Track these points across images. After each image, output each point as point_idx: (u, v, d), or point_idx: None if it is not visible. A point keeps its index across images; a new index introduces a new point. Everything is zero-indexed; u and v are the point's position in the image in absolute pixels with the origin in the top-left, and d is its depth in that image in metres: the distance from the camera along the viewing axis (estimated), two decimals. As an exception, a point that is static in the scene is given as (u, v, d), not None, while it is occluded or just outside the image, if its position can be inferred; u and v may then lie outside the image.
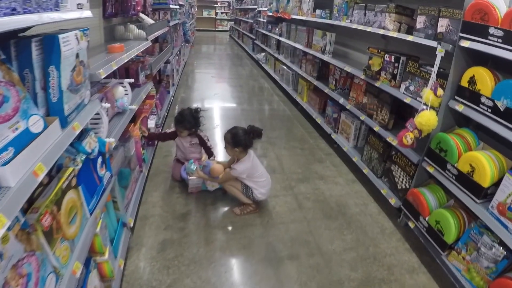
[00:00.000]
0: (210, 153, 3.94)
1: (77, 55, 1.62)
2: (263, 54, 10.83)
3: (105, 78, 2.88)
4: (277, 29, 8.60)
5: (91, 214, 1.99)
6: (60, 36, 1.42)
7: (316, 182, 4.09)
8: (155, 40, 5.73)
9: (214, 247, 2.97)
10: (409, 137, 2.81)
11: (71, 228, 1.73)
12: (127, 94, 2.97)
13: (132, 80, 3.04)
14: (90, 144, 1.91)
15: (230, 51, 15.71)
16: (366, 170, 3.93)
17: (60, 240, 1.61)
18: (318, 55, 5.45)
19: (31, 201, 1.53)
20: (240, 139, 3.23)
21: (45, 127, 1.44)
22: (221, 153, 4.71)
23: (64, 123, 1.60)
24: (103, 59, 2.53)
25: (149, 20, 4.34)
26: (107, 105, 2.17)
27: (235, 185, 3.42)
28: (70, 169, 1.71)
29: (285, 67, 7.91)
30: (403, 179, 3.34)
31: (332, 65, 4.97)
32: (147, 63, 3.98)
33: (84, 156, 1.87)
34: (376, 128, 3.70)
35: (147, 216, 3.33)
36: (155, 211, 3.40)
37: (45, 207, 1.49)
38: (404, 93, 3.26)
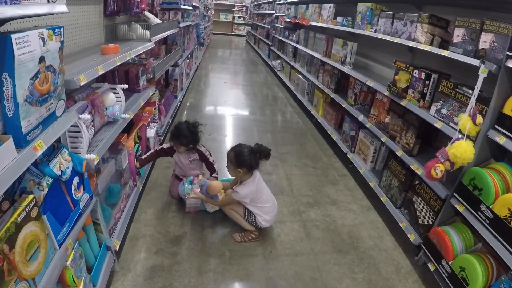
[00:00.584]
0: (212, 169, 3.64)
1: (42, 59, 1.34)
2: (278, 61, 10.57)
3: (97, 82, 2.65)
4: (295, 36, 8.35)
5: (60, 245, 1.71)
6: (13, 36, 1.14)
7: (328, 207, 3.77)
8: (164, 42, 5.49)
9: (208, 279, 2.68)
10: (439, 169, 2.48)
11: (31, 266, 1.46)
12: (120, 101, 2.69)
13: (125, 86, 2.76)
14: (60, 164, 1.63)
15: (245, 56, 15.50)
16: (384, 198, 3.61)
17: (14, 281, 1.34)
18: (337, 65, 5.15)
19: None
20: (244, 159, 2.94)
21: (-2, 147, 1.18)
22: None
23: (21, 143, 1.32)
24: (91, 62, 2.27)
25: (155, 20, 4.09)
26: (87, 116, 1.90)
27: (236, 210, 3.12)
28: (29, 198, 1.43)
29: (301, 77, 7.62)
30: (426, 214, 3.00)
31: (352, 78, 4.66)
32: (149, 66, 3.72)
33: (51, 180, 1.59)
34: (399, 153, 3.37)
35: (138, 236, 3.05)
36: (147, 231, 3.12)
37: (-8, 246, 1.22)
38: (434, 116, 2.93)
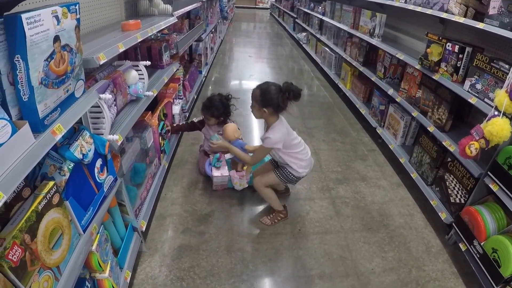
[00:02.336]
0: None
1: (56, 39, 1.25)
2: (304, 34, 10.32)
3: (119, 60, 2.57)
4: (320, 7, 8.10)
5: (84, 230, 1.67)
6: (24, 16, 1.05)
7: (357, 184, 3.66)
8: (187, 16, 5.36)
9: (236, 258, 2.63)
10: (473, 147, 2.33)
11: (54, 254, 1.41)
12: (143, 78, 2.61)
13: (148, 63, 2.66)
14: (82, 147, 1.57)
15: (270, 30, 15.19)
16: (414, 175, 3.47)
17: (37, 271, 1.30)
18: (366, 38, 4.94)
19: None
20: (271, 97, 2.56)
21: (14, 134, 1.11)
22: (253, 142, 4.35)
23: (38, 127, 1.25)
24: (111, 39, 2.18)
25: (177, -6, 3.96)
26: (108, 96, 1.81)
27: (267, 177, 2.95)
28: (50, 184, 1.37)
29: (327, 49, 7.41)
30: (458, 192, 2.87)
31: (382, 51, 4.46)
32: (172, 41, 3.61)
33: (72, 164, 1.53)
34: (431, 129, 3.22)
35: (165, 215, 3.02)
36: (174, 210, 3.09)
37: (13, 238, 1.17)
38: (468, 91, 2.75)
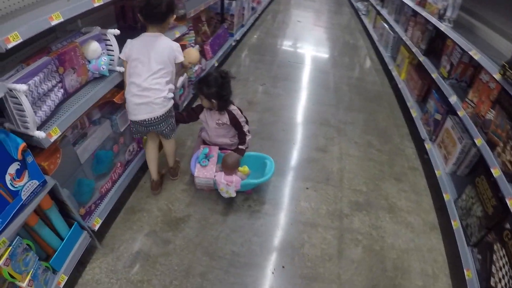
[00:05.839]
0: (242, 139, 3.10)
1: None
2: (365, 3, 9.81)
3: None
4: (385, -26, 7.44)
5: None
6: None
7: (380, 215, 3.14)
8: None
9: (193, 285, 2.39)
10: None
11: None
12: (112, 50, 2.27)
13: (117, 32, 2.25)
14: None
15: (329, -7, 14.42)
16: (456, 224, 2.86)
17: None
18: (433, 20, 4.29)
19: None
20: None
21: None
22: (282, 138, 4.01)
23: None
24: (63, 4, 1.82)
25: None
26: (23, 87, 1.48)
27: None
28: None
29: (386, 26, 6.85)
30: (504, 276, 2.23)
31: (451, 41, 3.83)
32: (180, -1, 3.21)
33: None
34: (495, 172, 2.51)
35: (135, 209, 2.87)
36: (147, 204, 2.92)
37: None
38: None
